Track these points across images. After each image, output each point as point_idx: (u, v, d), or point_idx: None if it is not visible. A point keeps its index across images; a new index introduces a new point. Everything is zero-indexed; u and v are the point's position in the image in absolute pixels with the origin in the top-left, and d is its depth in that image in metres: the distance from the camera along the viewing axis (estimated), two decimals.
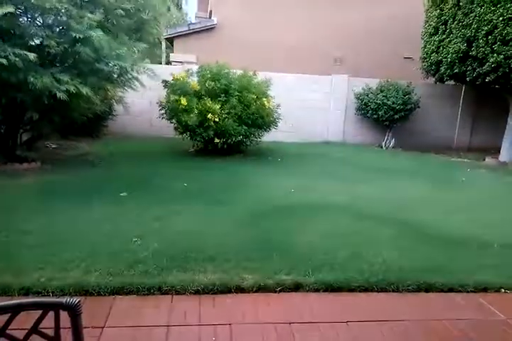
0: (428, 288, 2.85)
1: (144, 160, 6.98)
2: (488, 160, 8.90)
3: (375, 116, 10.02)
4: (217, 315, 2.40)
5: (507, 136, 8.98)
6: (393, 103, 9.68)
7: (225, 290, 2.67)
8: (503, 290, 2.93)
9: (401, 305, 2.65)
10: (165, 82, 7.51)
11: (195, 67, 7.85)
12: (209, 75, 7.28)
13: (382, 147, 10.13)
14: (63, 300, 1.10)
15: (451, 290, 2.87)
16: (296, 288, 2.74)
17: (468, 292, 2.87)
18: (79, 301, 1.11)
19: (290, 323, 2.36)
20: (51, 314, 1.10)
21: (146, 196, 4.71)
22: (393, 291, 2.79)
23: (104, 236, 3.41)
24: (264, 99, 7.35)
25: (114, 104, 8.15)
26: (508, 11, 7.47)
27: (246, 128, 7.27)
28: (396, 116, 9.80)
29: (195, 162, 7.11)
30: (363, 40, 12.06)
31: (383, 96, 9.83)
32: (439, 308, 2.64)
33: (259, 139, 7.84)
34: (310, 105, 10.46)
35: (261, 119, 7.43)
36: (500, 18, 7.58)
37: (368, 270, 2.97)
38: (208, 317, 2.37)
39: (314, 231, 3.78)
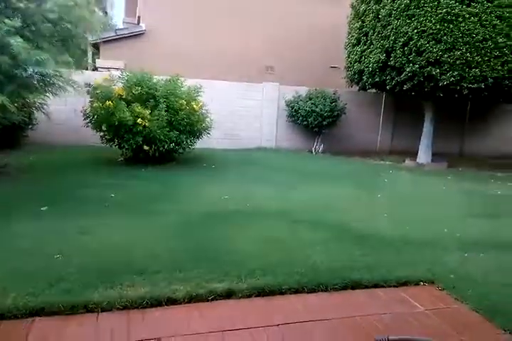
0: (354, 286, 2.98)
1: (69, 171, 6.59)
2: (408, 162, 9.59)
3: (305, 123, 10.38)
4: (147, 329, 2.32)
5: (423, 140, 9.75)
6: (321, 110, 10.11)
7: (155, 303, 2.59)
8: (421, 284, 3.16)
9: (329, 304, 2.75)
10: (88, 88, 7.19)
11: (118, 73, 7.62)
12: (134, 80, 7.11)
13: (312, 152, 10.52)
14: None
15: (375, 286, 3.03)
16: (229, 295, 2.73)
17: (391, 287, 3.05)
18: None
19: (222, 331, 2.34)
20: None
21: (70, 209, 4.45)
22: (322, 291, 2.88)
23: (23, 253, 3.16)
24: (193, 102, 7.31)
25: (35, 112, 7.63)
26: (421, 24, 8.15)
27: (177, 133, 7.16)
28: (324, 123, 10.24)
29: (124, 171, 6.85)
30: (292, 49, 12.47)
31: (312, 103, 10.23)
32: (365, 304, 2.77)
33: (191, 146, 7.76)
34: (243, 112, 10.60)
35: (191, 126, 7.35)
36: (415, 31, 8.24)
37: (298, 272, 3.05)
38: (136, 333, 2.27)
39: (248, 238, 3.80)
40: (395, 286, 3.06)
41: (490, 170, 9.43)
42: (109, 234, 3.71)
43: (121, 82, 7.30)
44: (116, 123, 6.74)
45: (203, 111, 7.71)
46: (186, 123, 7.24)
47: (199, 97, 7.68)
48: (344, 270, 3.18)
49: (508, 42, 7.84)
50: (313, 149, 10.59)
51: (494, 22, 7.82)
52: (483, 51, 7.91)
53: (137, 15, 13.59)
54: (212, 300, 2.67)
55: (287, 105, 10.62)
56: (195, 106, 7.28)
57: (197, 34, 11.60)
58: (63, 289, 2.61)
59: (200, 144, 8.25)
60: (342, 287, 2.95)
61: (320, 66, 12.51)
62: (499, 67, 7.93)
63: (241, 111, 10.58)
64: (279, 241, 3.76)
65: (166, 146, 7.08)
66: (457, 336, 2.46)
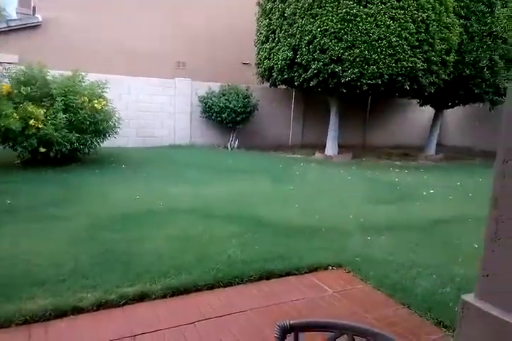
0: (269, 276, 3.06)
1: None
2: (317, 154, 10.10)
3: (219, 119, 10.38)
4: None
5: (330, 133, 10.33)
6: (235, 106, 10.19)
7: (60, 314, 2.40)
8: (330, 268, 3.35)
9: (245, 296, 2.78)
10: None
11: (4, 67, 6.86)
12: (22, 78, 6.46)
13: (227, 148, 10.57)
14: None
15: (288, 274, 3.14)
16: (142, 298, 2.63)
17: (303, 274, 3.19)
18: None
19: (135, 336, 2.25)
20: None
21: None
22: (238, 284, 2.91)
23: None
24: (96, 101, 6.81)
25: None
26: (323, 23, 8.54)
27: (78, 135, 6.62)
28: (238, 119, 10.34)
29: (22, 175, 6.23)
30: (204, 45, 12.32)
31: (225, 99, 10.26)
32: (279, 293, 2.86)
33: (98, 146, 7.29)
34: (155, 109, 10.27)
35: (96, 125, 6.87)
36: (318, 29, 8.62)
37: (213, 268, 3.04)
38: None
39: (161, 237, 3.70)
40: (306, 273, 3.20)
41: (389, 159, 10.32)
42: (6, 244, 3.36)
43: (10, 78, 6.57)
44: (3, 130, 6.06)
45: (110, 108, 7.28)
46: (90, 122, 6.75)
47: (105, 94, 7.23)
48: (259, 261, 3.24)
49: (400, 42, 8.58)
50: (228, 145, 10.65)
51: (388, 22, 8.50)
52: (379, 49, 8.55)
53: (32, 5, 12.39)
54: (123, 304, 2.56)
55: (201, 101, 10.53)
56: (96, 104, 6.75)
57: (103, 27, 10.89)
58: None
59: (110, 143, 7.82)
60: (257, 278, 3.01)
61: (233, 62, 12.56)
62: (393, 65, 8.65)
63: (153, 108, 10.24)
64: (193, 239, 3.71)
65: (65, 149, 6.52)
66: (363, 314, 2.64)
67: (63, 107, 6.48)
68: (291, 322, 1.18)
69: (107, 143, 7.65)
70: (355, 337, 1.17)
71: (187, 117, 10.73)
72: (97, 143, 7.19)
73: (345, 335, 1.17)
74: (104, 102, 7.02)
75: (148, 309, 2.53)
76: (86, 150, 7.17)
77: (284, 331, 1.21)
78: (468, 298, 1.92)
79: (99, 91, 7.09)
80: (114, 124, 7.33)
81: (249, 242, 3.69)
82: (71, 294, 2.56)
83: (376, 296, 2.91)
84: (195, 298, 2.70)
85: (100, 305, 2.51)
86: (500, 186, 1.80)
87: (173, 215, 4.41)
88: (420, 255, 3.62)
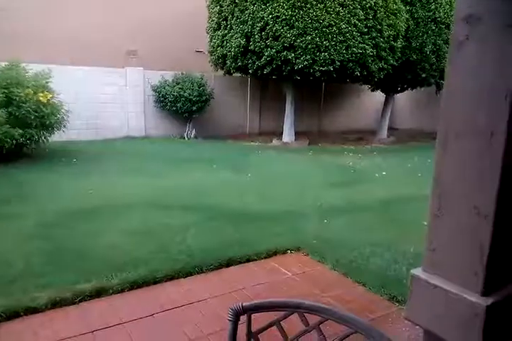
0: (229, 263, 3.09)
1: None
2: (275, 141, 10.19)
3: (174, 108, 10.18)
4: None
5: (286, 120, 10.42)
6: (190, 95, 10.01)
7: (13, 315, 2.32)
8: (289, 252, 3.42)
9: (205, 284, 2.80)
10: None
11: None
12: None
13: (184, 138, 10.42)
14: None
15: (248, 260, 3.18)
16: (99, 293, 2.58)
17: (262, 259, 3.24)
18: None
19: (93, 331, 2.21)
20: None
21: None
22: (198, 273, 2.92)
23: None
24: (41, 94, 6.45)
25: None
26: (275, 9, 8.51)
27: (23, 131, 6.22)
28: (194, 108, 10.18)
29: None
30: (156, 33, 11.93)
31: (180, 88, 10.05)
32: (239, 279, 2.89)
33: (46, 141, 6.94)
34: (106, 100, 9.88)
35: (42, 118, 6.50)
36: (270, 16, 8.57)
37: (172, 259, 3.03)
38: None
39: (117, 231, 3.62)
40: (266, 258, 3.26)
41: (344, 144, 10.59)
42: None
43: None
44: None
45: (58, 101, 6.93)
46: (35, 116, 6.39)
47: (52, 85, 6.86)
48: (218, 249, 3.26)
49: (350, 28, 8.73)
50: (185, 135, 10.49)
51: (337, 9, 8.59)
52: (329, 36, 8.66)
53: None
54: (80, 301, 2.50)
55: (154, 90, 10.25)
56: (42, 97, 6.37)
57: (47, 13, 10.28)
58: None
59: (60, 137, 7.47)
60: (217, 266, 3.03)
61: (186, 50, 12.28)
62: (344, 51, 8.80)
63: (104, 99, 9.85)
64: (151, 231, 3.67)
65: (8, 145, 6.15)
66: (320, 294, 2.74)
67: (5, 100, 6.10)
68: (243, 304, 1.21)
69: (57, 137, 7.30)
70: (305, 314, 1.21)
71: (140, 107, 10.43)
72: (45, 137, 6.84)
73: (295, 313, 1.21)
74: (51, 95, 6.67)
75: (105, 304, 2.49)
76: (33, 146, 6.81)
77: (237, 313, 1.23)
78: (417, 272, 2.02)
79: (45, 82, 6.72)
80: (63, 117, 7.00)
81: (208, 231, 3.70)
82: (23, 294, 2.46)
83: (333, 276, 3.02)
84: (154, 290, 2.68)
85: (55, 304, 2.44)
86: (441, 164, 1.91)
87: (129, 208, 4.32)
88: (374, 234, 3.78)
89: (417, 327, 1.99)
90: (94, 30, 10.93)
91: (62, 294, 2.49)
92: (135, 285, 2.68)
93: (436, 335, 1.98)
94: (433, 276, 2.00)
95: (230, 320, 1.21)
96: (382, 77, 9.89)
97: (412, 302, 2.06)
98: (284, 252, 3.38)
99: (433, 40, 10.22)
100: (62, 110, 6.99)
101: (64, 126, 7.08)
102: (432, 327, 1.97)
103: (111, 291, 2.60)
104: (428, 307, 2.00)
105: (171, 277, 2.82)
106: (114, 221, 3.91)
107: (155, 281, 2.75)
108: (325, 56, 8.67)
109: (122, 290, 2.63)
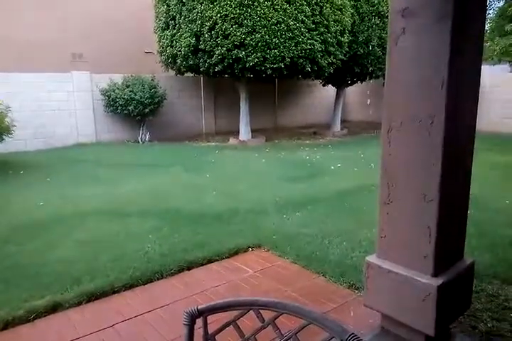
0: (190, 266, 3.05)
1: None
2: (232, 141, 10.17)
3: (125, 112, 9.90)
4: None
5: (242, 119, 10.43)
6: (141, 97, 9.76)
7: None
8: (250, 249, 3.43)
9: (166, 290, 2.75)
10: None
11: None
12: None
13: (139, 142, 10.18)
14: None
15: (210, 261, 3.16)
16: (54, 308, 2.47)
17: (224, 259, 3.23)
18: None
19: None
20: None
21: None
22: (158, 279, 2.87)
23: None
24: None
25: None
26: (223, 8, 8.47)
27: None
28: (146, 110, 9.95)
29: None
30: (102, 35, 11.57)
31: (130, 91, 9.78)
32: (202, 281, 2.87)
33: None
34: (53, 106, 9.45)
35: None
36: (218, 15, 8.52)
37: (131, 267, 2.95)
38: None
39: (70, 243, 3.49)
40: (227, 257, 3.25)
41: (299, 139, 10.75)
42: None
43: None
44: None
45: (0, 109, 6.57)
46: None
47: None
48: (178, 253, 3.22)
49: (298, 25, 8.84)
50: (139, 138, 10.24)
51: (284, 6, 8.68)
52: (278, 33, 8.74)
53: None
54: (34, 319, 2.38)
55: (103, 94, 9.91)
56: None
57: None
58: None
59: (4, 148, 7.08)
60: (178, 270, 2.98)
61: (134, 51, 12.01)
62: (294, 48, 8.91)
63: (51, 106, 9.42)
64: (107, 240, 3.55)
65: None
66: (283, 288, 2.77)
67: None
68: (198, 307, 1.20)
69: (3, 148, 6.92)
70: (261, 310, 1.22)
71: (90, 113, 10.07)
72: None
73: (251, 311, 1.22)
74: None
75: (62, 319, 2.39)
76: None
77: (193, 316, 1.22)
78: (371, 258, 2.10)
79: None
80: (8, 127, 6.63)
81: (167, 235, 3.64)
82: None
83: (294, 269, 3.06)
84: (113, 300, 2.60)
85: (7, 324, 2.32)
86: (387, 153, 1.98)
87: (83, 219, 4.16)
88: (331, 225, 3.87)
89: (378, 312, 2.07)
90: (34, 33, 10.45)
91: (14, 313, 2.37)
92: (93, 296, 2.59)
93: (393, 319, 2.05)
94: (386, 261, 2.08)
95: (185, 324, 1.20)
96: (332, 71, 10.12)
97: (368, 289, 2.13)
98: (246, 250, 3.39)
99: (378, 34, 10.58)
100: (6, 119, 6.62)
101: (8, 136, 6.71)
102: (389, 312, 2.05)
103: (67, 305, 2.50)
104: (384, 292, 2.08)
105: (130, 285, 2.75)
106: (66, 233, 3.75)
107: (114, 291, 2.67)
108: (275, 53, 8.74)
109: (79, 303, 2.54)
